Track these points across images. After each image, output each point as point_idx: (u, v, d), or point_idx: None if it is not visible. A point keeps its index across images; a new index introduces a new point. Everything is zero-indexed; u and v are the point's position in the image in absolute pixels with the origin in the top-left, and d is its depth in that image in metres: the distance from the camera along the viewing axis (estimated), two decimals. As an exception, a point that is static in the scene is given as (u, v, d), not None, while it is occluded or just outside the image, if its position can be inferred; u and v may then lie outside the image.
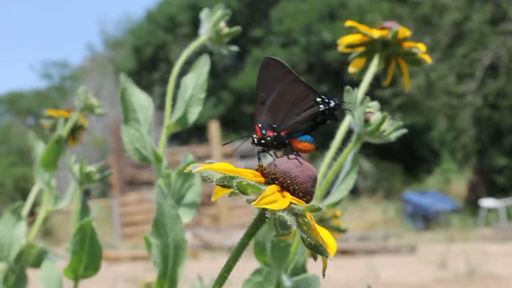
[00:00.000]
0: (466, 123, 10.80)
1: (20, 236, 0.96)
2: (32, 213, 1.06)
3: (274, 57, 0.52)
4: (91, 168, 0.96)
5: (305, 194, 0.47)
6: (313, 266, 0.82)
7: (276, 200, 0.44)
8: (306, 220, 0.45)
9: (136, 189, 9.92)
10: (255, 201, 0.43)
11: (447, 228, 8.98)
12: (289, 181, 0.46)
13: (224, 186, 0.46)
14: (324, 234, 0.45)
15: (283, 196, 0.45)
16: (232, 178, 0.45)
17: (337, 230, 1.06)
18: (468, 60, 10.71)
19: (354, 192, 12.62)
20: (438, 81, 10.87)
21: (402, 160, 13.58)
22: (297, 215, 0.45)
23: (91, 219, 0.87)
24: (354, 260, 5.91)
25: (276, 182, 0.46)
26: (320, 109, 0.52)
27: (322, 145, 0.81)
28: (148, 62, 15.68)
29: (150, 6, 26.79)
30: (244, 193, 0.45)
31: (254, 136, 0.52)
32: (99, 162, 0.99)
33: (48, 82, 22.94)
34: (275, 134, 0.51)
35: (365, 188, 12.18)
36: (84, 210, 0.94)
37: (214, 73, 14.93)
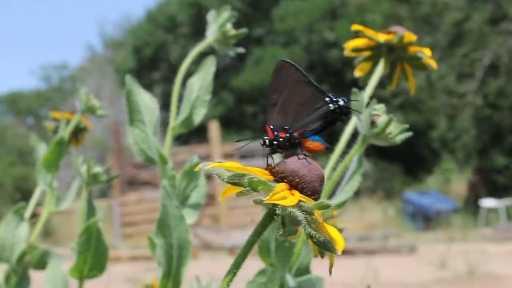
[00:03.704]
0: (466, 123, 10.79)
1: (23, 237, 0.96)
2: (34, 214, 1.05)
3: (288, 61, 0.53)
4: (98, 169, 0.96)
5: (313, 192, 0.47)
6: (317, 268, 0.81)
7: (286, 197, 0.45)
8: (314, 217, 0.46)
9: (136, 189, 9.92)
10: (267, 197, 0.44)
11: (447, 228, 8.98)
12: (297, 180, 0.47)
13: (234, 184, 0.47)
14: (332, 231, 0.46)
15: (292, 194, 0.46)
16: (243, 175, 0.46)
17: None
18: (468, 60, 10.70)
19: (354, 192, 12.58)
20: (438, 81, 10.86)
21: (402, 160, 13.57)
22: (305, 212, 0.46)
23: (98, 219, 0.87)
24: (354, 260, 5.91)
25: (285, 180, 0.47)
26: (331, 108, 0.53)
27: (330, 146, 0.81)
28: (148, 62, 15.66)
29: (150, 6, 26.80)
30: (255, 190, 0.46)
31: (266, 137, 0.53)
32: (103, 163, 0.99)
33: (48, 83, 22.95)
34: (287, 135, 0.52)
35: (365, 188, 12.16)
36: (90, 211, 0.93)
37: (214, 73, 14.91)
